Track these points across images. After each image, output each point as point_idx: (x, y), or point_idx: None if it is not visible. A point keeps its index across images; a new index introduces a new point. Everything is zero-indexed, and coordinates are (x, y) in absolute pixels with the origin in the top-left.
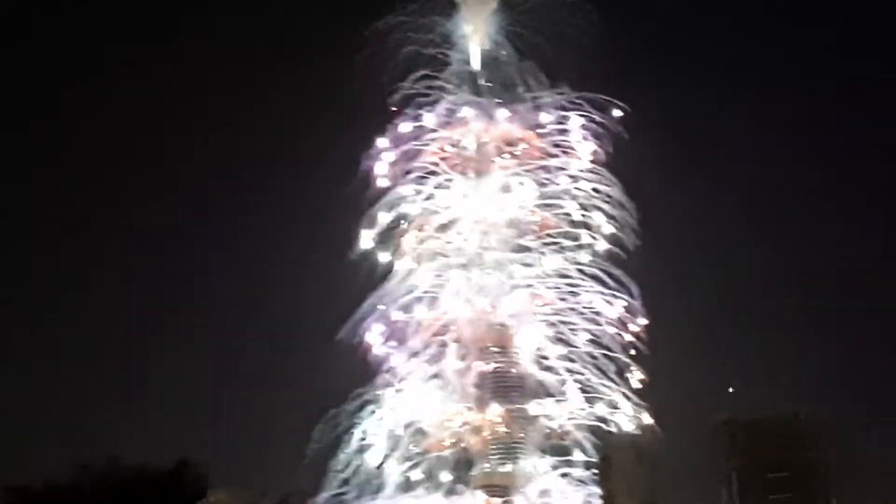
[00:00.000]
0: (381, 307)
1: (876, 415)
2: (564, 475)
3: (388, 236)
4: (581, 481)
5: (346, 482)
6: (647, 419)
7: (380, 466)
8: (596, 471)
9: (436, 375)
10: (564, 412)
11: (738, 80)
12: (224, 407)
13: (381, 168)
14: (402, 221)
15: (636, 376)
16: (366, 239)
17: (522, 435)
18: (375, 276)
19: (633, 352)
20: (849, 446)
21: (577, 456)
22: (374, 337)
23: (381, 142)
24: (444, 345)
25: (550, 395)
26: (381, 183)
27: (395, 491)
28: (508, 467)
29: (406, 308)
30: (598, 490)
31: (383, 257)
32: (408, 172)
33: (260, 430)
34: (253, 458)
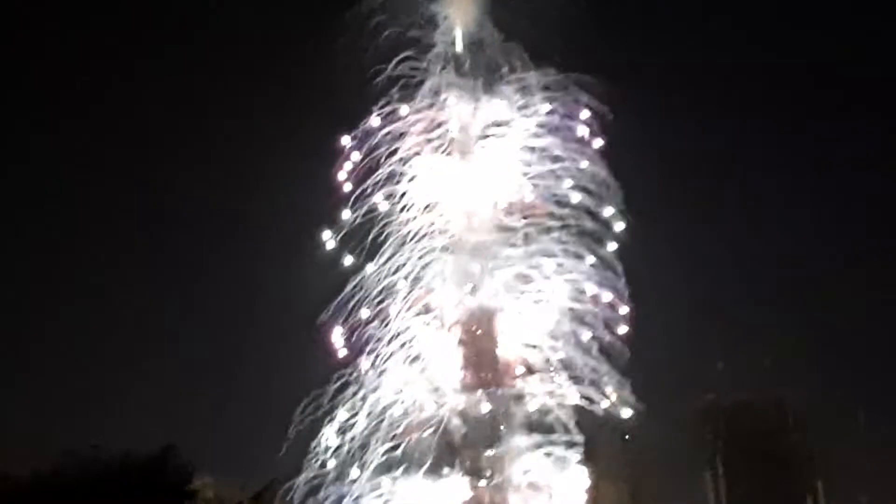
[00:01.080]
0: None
1: (862, 398)
2: (548, 455)
3: (364, 226)
4: (564, 460)
5: (325, 464)
6: (632, 400)
7: (360, 448)
8: (578, 448)
9: (418, 357)
10: (548, 390)
11: (731, 61)
12: (208, 392)
13: (347, 169)
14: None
15: (622, 356)
16: (334, 230)
17: (506, 417)
18: (356, 259)
19: (618, 332)
20: (835, 429)
21: (561, 435)
22: (336, 337)
23: (345, 140)
24: (426, 325)
25: (534, 372)
26: (346, 186)
27: (374, 473)
28: (492, 450)
29: (386, 291)
30: (581, 469)
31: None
32: (388, 157)
33: (245, 414)
34: (239, 443)
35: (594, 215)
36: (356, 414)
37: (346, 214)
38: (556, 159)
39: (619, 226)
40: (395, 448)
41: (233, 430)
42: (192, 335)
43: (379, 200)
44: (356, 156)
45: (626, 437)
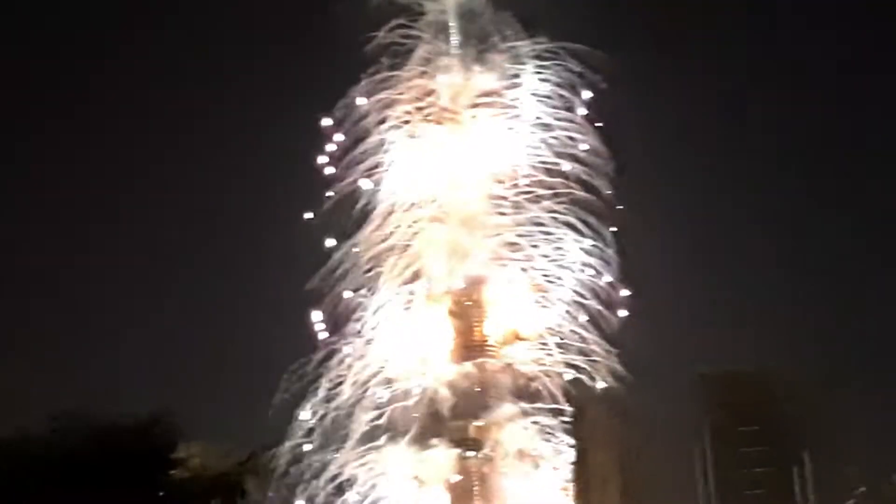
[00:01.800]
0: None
1: (849, 370)
2: (535, 423)
3: (353, 196)
4: (550, 430)
5: (310, 432)
6: (620, 370)
7: (345, 417)
8: (566, 419)
9: (405, 326)
10: (536, 359)
11: (726, 30)
12: (197, 358)
13: (337, 138)
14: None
15: (610, 325)
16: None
17: (495, 387)
18: (345, 228)
19: (607, 301)
20: (823, 401)
21: (550, 406)
22: (317, 322)
23: (326, 122)
24: (411, 292)
25: (523, 340)
26: (336, 155)
27: (359, 442)
28: (481, 421)
29: (374, 260)
30: (568, 439)
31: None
32: (377, 125)
33: (233, 381)
34: (227, 409)
35: (585, 184)
36: (341, 383)
37: (335, 183)
38: (547, 128)
39: (609, 193)
40: (379, 417)
41: (220, 397)
42: (181, 304)
43: (368, 169)
44: (346, 125)
45: (614, 408)
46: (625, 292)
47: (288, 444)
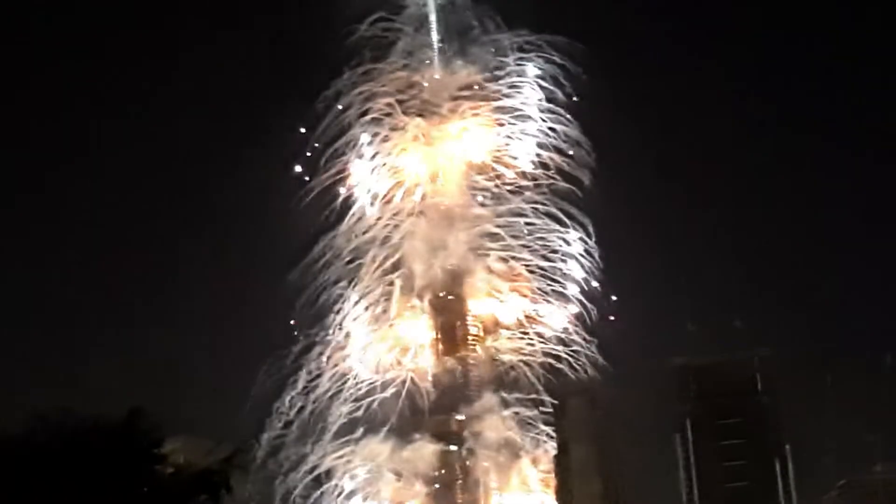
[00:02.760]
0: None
1: (831, 362)
2: (517, 413)
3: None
4: (531, 422)
5: (288, 425)
6: (600, 359)
7: (324, 409)
8: (547, 409)
9: (384, 318)
10: (516, 348)
11: (705, 21)
12: (177, 355)
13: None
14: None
15: (590, 315)
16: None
17: (476, 381)
18: (330, 217)
19: (588, 292)
20: (806, 392)
21: (530, 397)
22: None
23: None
24: (391, 284)
25: (503, 329)
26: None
27: (338, 434)
28: (461, 415)
29: (355, 252)
30: (549, 431)
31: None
32: (359, 117)
33: (215, 376)
34: (208, 405)
35: (566, 174)
36: (319, 375)
37: (315, 176)
38: (528, 119)
39: (589, 184)
40: (358, 409)
41: (205, 391)
42: (160, 300)
43: (349, 161)
44: (328, 118)
45: (595, 401)
46: (604, 283)
47: (265, 437)
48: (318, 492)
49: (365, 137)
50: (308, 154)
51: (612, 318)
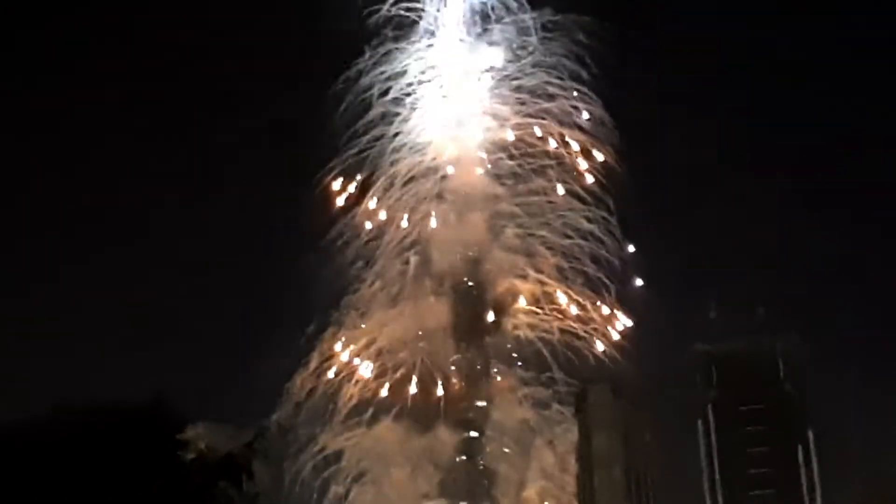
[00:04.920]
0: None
1: (855, 350)
2: (536, 400)
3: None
4: (551, 408)
5: (298, 406)
6: (621, 340)
7: (335, 391)
8: (568, 395)
9: (400, 298)
10: (537, 325)
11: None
12: (199, 340)
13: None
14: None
15: (613, 296)
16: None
17: (496, 366)
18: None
19: (609, 272)
20: (828, 378)
21: (553, 386)
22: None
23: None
24: (407, 263)
25: (524, 308)
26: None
27: (348, 416)
28: (483, 401)
29: (374, 231)
30: (568, 415)
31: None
32: (380, 96)
33: (236, 362)
34: (230, 390)
35: (589, 154)
36: (332, 357)
37: (337, 155)
38: (550, 98)
39: (614, 165)
40: (370, 392)
41: (227, 376)
42: (185, 285)
43: (370, 141)
44: (349, 97)
45: (618, 390)
46: (626, 265)
47: (274, 418)
48: (326, 473)
49: (385, 117)
50: (329, 134)
51: (633, 299)
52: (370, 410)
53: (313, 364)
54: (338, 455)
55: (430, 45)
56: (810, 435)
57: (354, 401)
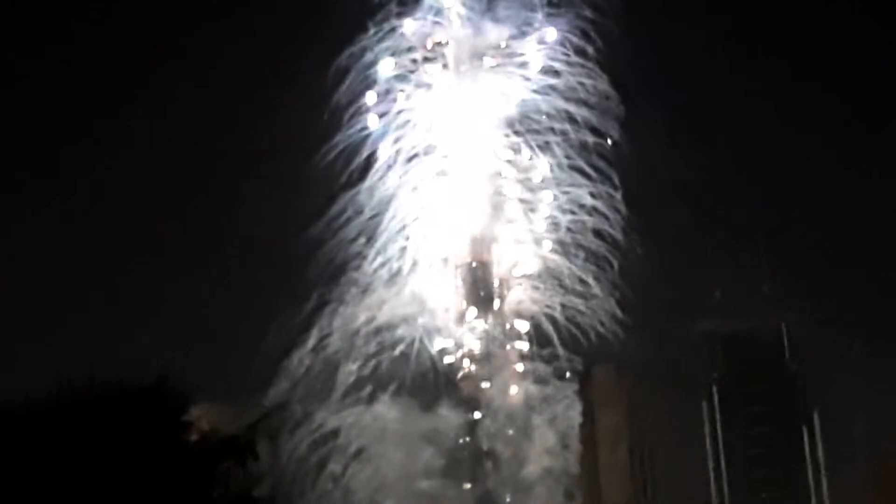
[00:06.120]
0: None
1: (860, 329)
2: (540, 378)
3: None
4: (554, 386)
5: (295, 385)
6: (625, 320)
7: (333, 368)
8: (571, 374)
9: (402, 274)
10: (540, 300)
11: None
12: (202, 320)
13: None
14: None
15: (616, 273)
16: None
17: (501, 346)
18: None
19: (612, 246)
20: (833, 358)
21: (559, 364)
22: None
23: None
24: (409, 240)
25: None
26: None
27: (346, 394)
28: (489, 383)
29: (378, 207)
30: (572, 395)
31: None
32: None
33: (239, 341)
34: (233, 371)
35: (595, 129)
36: (330, 334)
37: (341, 132)
38: (556, 75)
39: (618, 138)
40: (369, 369)
41: (232, 354)
42: (179, 265)
43: (373, 119)
44: (353, 73)
45: (622, 369)
46: (630, 241)
47: (271, 394)
48: (325, 449)
49: (390, 94)
50: (331, 110)
51: (636, 277)
52: (368, 388)
53: (312, 341)
54: (335, 433)
55: (435, 22)
56: (815, 415)
57: (353, 378)
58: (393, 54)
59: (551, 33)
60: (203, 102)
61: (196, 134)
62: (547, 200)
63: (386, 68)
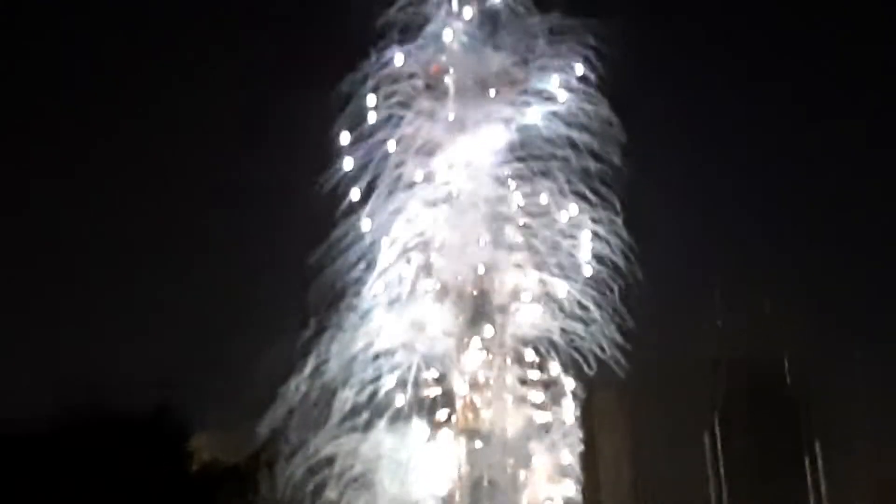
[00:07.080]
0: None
1: (862, 352)
2: (540, 404)
3: (359, 172)
4: (554, 413)
5: (291, 412)
6: (623, 342)
7: (329, 395)
8: (579, 405)
9: (402, 300)
10: (539, 325)
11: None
12: (204, 348)
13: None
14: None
15: (618, 300)
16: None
17: (501, 373)
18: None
19: (613, 272)
20: (835, 387)
21: (561, 389)
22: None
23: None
24: (409, 263)
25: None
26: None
27: (343, 421)
28: (487, 412)
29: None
30: (573, 422)
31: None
32: (385, 99)
33: (241, 371)
34: (233, 398)
35: (596, 156)
36: (328, 360)
37: (342, 159)
38: (557, 101)
39: (620, 167)
40: (366, 396)
41: (230, 387)
42: (189, 288)
43: (375, 145)
44: (353, 100)
45: (624, 397)
46: (631, 267)
47: (266, 421)
48: (320, 476)
49: (390, 121)
50: (332, 136)
51: (639, 305)
52: (366, 414)
53: (309, 368)
54: (331, 460)
55: (436, 49)
56: (817, 444)
57: (350, 404)
58: (394, 81)
59: (553, 60)
60: (201, 125)
61: (193, 158)
62: (548, 226)
63: (386, 95)
